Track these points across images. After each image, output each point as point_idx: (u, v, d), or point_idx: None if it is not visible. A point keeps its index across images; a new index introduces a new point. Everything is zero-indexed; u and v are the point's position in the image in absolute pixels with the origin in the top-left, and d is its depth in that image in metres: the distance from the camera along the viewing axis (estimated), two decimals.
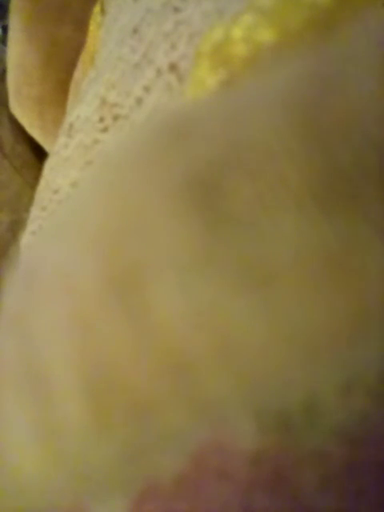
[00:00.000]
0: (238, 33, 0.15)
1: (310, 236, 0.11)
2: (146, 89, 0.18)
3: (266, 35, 0.15)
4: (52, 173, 0.22)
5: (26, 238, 0.23)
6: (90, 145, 0.20)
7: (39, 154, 0.40)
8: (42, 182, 0.23)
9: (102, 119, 0.20)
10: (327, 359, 0.11)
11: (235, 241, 0.11)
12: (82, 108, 0.21)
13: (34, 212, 0.23)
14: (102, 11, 0.25)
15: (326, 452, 0.11)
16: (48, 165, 0.23)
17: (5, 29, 0.42)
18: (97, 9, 0.26)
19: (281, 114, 0.11)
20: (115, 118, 0.19)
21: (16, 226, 0.37)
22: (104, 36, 0.23)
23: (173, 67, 0.17)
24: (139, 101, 0.18)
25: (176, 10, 0.18)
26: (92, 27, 0.26)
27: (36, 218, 0.23)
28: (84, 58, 0.28)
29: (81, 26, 0.30)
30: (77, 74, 0.29)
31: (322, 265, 0.10)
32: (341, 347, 0.11)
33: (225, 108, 0.12)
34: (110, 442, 0.11)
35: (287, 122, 0.11)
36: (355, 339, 0.11)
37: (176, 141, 0.12)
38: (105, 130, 0.20)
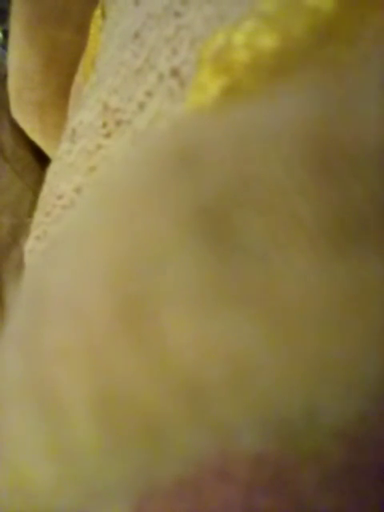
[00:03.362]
0: (239, 38, 0.15)
1: (322, 271, 0.11)
2: (149, 94, 0.18)
3: (268, 41, 0.15)
4: (55, 178, 0.22)
5: (30, 243, 0.23)
6: (93, 150, 0.20)
7: (40, 158, 0.40)
8: (45, 188, 0.23)
9: (104, 124, 0.20)
10: (332, 374, 0.11)
11: (246, 272, 0.11)
12: (85, 113, 0.21)
13: (38, 217, 0.23)
14: (103, 15, 0.25)
15: (325, 453, 0.11)
16: (51, 170, 0.23)
17: (5, 33, 0.42)
18: (97, 12, 0.26)
19: (291, 146, 0.11)
20: (118, 123, 0.19)
21: (17, 230, 0.37)
22: (105, 40, 0.23)
23: (174, 72, 0.17)
24: (141, 106, 0.18)
25: (177, 14, 0.18)
26: (93, 31, 0.26)
27: (40, 223, 0.23)
28: (85, 61, 0.28)
29: (81, 29, 0.30)
30: (78, 78, 0.29)
31: (333, 298, 0.11)
32: (347, 363, 0.11)
33: (232, 133, 0.12)
34: (121, 460, 0.11)
35: (298, 156, 0.11)
36: (363, 358, 0.11)
37: (184, 168, 0.12)
38: (108, 135, 0.20)
